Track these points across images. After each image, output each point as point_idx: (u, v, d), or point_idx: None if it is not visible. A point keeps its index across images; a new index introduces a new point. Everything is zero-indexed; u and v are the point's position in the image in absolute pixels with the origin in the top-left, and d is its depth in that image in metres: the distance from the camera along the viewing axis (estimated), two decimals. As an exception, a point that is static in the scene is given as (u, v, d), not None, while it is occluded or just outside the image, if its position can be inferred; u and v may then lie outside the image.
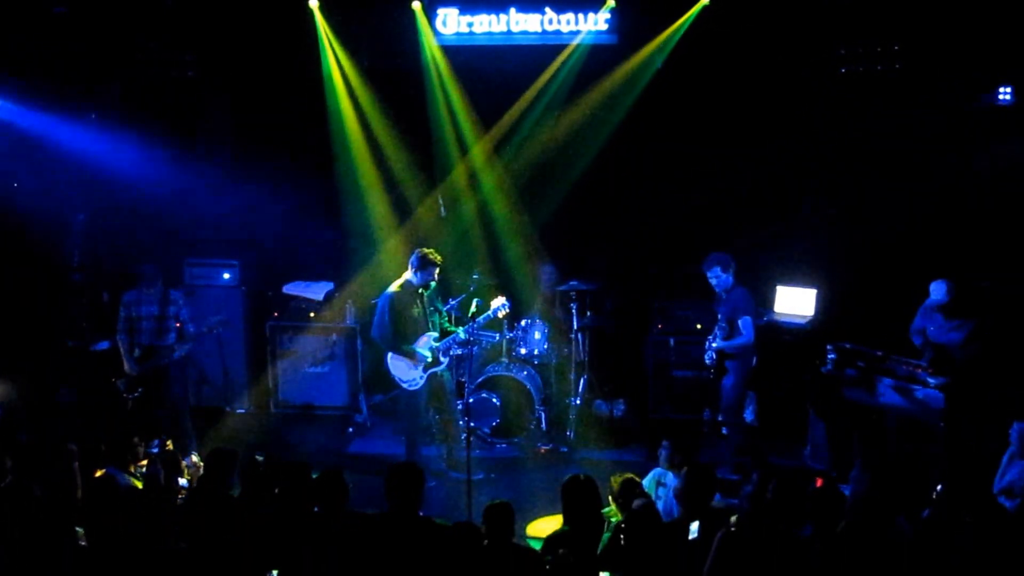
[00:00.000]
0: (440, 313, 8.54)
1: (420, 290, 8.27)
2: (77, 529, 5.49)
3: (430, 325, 8.33)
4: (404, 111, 10.33)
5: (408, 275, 8.27)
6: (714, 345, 8.38)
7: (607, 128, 10.16)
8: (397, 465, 5.63)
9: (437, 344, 8.28)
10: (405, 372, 8.26)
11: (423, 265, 8.19)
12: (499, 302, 8.49)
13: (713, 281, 8.40)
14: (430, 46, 9.86)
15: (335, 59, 10.02)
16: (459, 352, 8.43)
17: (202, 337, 9.05)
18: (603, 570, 5.27)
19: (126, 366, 8.66)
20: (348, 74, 10.11)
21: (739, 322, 8.26)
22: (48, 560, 5.04)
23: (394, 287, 8.27)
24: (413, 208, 10.50)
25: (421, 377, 8.23)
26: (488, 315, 8.48)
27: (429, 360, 8.21)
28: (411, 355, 8.19)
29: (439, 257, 8.27)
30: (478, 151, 10.43)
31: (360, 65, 10.10)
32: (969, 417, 7.79)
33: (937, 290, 8.28)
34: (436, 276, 8.27)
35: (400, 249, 9.77)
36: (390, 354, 8.29)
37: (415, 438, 8.51)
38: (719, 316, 8.44)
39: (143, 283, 8.69)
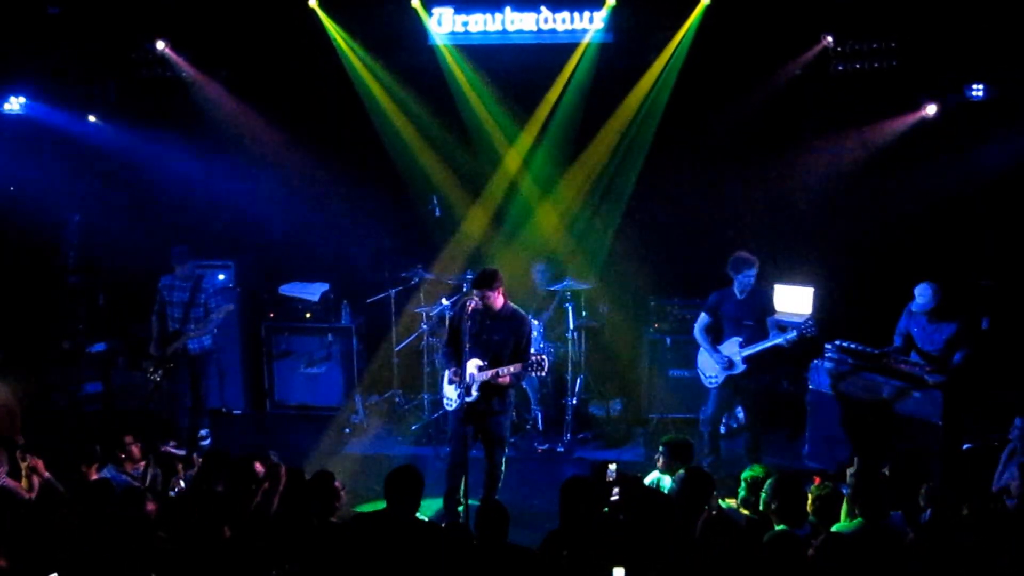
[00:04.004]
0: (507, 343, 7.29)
1: (482, 309, 7.21)
2: None
3: (480, 349, 7.25)
4: (407, 107, 10.32)
5: None
6: (781, 341, 7.93)
7: (606, 129, 10.19)
8: (401, 468, 5.63)
9: (476, 373, 7.24)
10: (446, 388, 7.57)
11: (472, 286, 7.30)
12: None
13: (748, 281, 8.10)
14: (440, 44, 9.84)
15: (341, 55, 10.01)
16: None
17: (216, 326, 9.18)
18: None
19: (152, 348, 8.97)
20: (358, 70, 10.10)
21: (770, 321, 8.12)
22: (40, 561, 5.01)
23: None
24: (412, 207, 10.50)
25: (455, 401, 7.36)
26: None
27: (461, 384, 7.20)
28: (452, 371, 7.40)
29: (477, 282, 7.22)
30: (484, 150, 10.46)
31: (369, 60, 10.12)
32: (966, 415, 7.80)
33: (922, 293, 8.27)
34: (479, 301, 7.14)
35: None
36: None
37: (447, 464, 7.67)
38: (740, 316, 8.19)
39: (175, 264, 8.94)
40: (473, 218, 10.54)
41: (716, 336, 8.38)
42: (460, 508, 7.08)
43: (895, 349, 8.30)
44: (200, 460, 6.97)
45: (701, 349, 8.46)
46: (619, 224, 10.52)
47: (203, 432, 9.19)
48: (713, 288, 8.47)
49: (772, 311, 8.23)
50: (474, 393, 7.22)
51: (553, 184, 10.49)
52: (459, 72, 10.01)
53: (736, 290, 8.20)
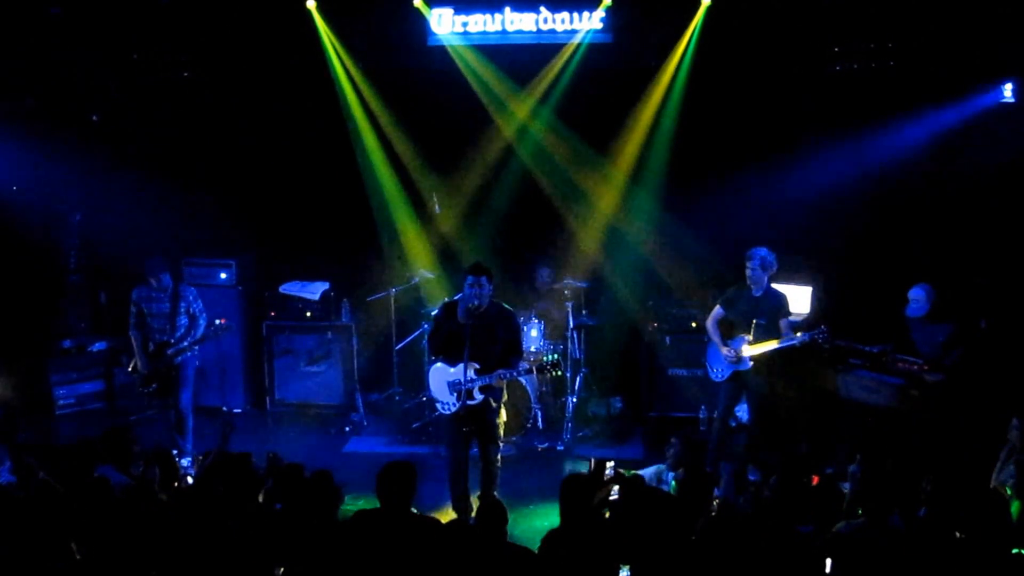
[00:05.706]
0: (502, 340, 7.23)
1: (471, 307, 7.10)
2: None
3: (472, 349, 7.07)
4: (407, 109, 10.34)
5: None
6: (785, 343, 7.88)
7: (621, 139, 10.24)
8: (390, 463, 5.63)
9: (475, 376, 7.14)
10: (439, 391, 7.42)
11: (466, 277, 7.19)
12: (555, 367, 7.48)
13: (751, 275, 8.03)
14: (440, 44, 9.83)
15: (337, 59, 10.01)
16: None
17: (208, 339, 8.96)
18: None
19: (138, 363, 8.71)
20: (352, 73, 10.11)
21: (783, 322, 8.03)
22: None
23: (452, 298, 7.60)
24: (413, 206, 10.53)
25: (454, 404, 7.27)
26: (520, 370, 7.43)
27: (458, 387, 7.15)
28: (444, 372, 7.34)
29: (473, 268, 7.15)
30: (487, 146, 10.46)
31: (361, 65, 10.12)
32: (965, 415, 7.82)
33: (916, 298, 8.27)
34: (472, 293, 7.06)
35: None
36: (430, 367, 7.59)
37: (450, 469, 7.53)
38: (753, 314, 8.08)
39: (149, 276, 8.67)
40: (472, 218, 10.55)
41: (728, 332, 8.31)
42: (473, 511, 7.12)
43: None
44: (201, 458, 7.00)
45: (712, 342, 8.42)
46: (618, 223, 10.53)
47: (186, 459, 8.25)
48: (706, 287, 8.47)
49: (787, 313, 8.10)
50: (477, 396, 7.19)
51: (558, 185, 10.49)
52: (465, 66, 9.97)
53: (752, 285, 8.15)
